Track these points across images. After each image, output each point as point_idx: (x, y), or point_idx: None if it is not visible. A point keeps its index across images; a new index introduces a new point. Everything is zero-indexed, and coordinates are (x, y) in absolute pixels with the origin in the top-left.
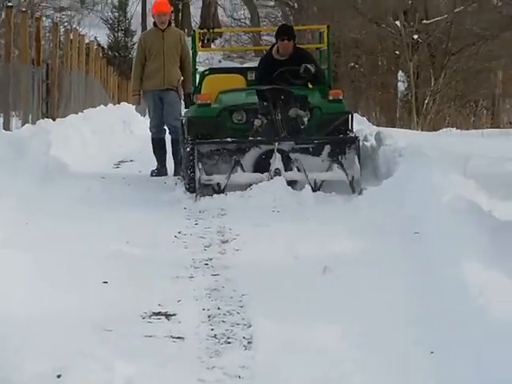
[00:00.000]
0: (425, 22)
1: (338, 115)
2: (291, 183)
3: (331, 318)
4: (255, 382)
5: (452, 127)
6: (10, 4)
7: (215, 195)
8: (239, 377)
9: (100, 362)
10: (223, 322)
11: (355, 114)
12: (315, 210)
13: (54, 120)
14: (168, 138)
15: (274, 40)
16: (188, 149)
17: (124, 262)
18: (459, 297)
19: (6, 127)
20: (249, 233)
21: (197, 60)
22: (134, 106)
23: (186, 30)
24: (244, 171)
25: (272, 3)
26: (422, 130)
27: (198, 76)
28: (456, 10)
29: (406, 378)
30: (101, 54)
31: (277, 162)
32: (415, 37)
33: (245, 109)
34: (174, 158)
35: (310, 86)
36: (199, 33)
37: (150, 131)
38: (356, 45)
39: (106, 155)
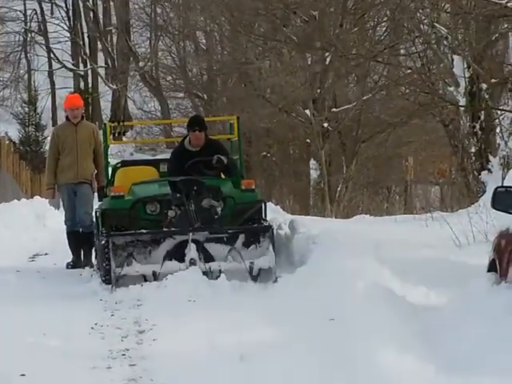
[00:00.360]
0: (334, 110)
1: (251, 204)
2: (206, 273)
3: None
4: None
5: (365, 214)
6: None
7: (131, 286)
8: None
9: None
10: None
11: (269, 203)
12: (232, 298)
13: None
14: None
15: (185, 131)
16: (103, 241)
17: (41, 354)
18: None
19: None
20: (166, 323)
21: (108, 153)
22: (48, 200)
23: (97, 123)
24: (156, 262)
25: (181, 95)
26: (335, 217)
27: (110, 169)
28: (364, 98)
29: None
30: (12, 149)
31: (192, 252)
32: (325, 125)
33: (158, 200)
34: (83, 250)
35: (223, 176)
36: (110, 126)
37: (65, 224)
38: (267, 134)
39: (20, 249)
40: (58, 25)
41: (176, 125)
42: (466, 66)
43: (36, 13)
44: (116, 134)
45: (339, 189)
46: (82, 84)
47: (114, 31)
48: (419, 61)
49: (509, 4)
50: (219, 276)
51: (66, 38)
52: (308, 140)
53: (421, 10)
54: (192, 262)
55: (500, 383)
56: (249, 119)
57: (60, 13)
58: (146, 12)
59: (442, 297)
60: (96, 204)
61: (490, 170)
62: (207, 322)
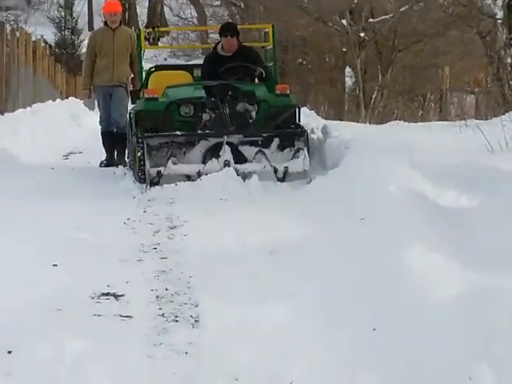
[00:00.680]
0: (371, 20)
1: (285, 108)
2: (239, 174)
3: (276, 300)
4: (201, 358)
5: (400, 120)
6: None
7: (165, 185)
8: (186, 353)
9: (50, 340)
10: (171, 301)
11: (304, 108)
12: (263, 198)
13: (2, 114)
14: None
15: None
16: (138, 142)
17: (74, 247)
18: (401, 280)
19: None
20: (197, 219)
21: (143, 58)
22: (82, 101)
23: (133, 29)
24: (192, 163)
25: (218, 2)
26: (369, 123)
27: (144, 73)
28: (401, 10)
29: (352, 355)
30: (48, 52)
31: (226, 154)
32: (362, 35)
33: (192, 102)
34: (116, 149)
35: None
36: (144, 31)
37: (100, 125)
38: (303, 43)
39: (54, 147)
40: None
41: (212, 32)
42: None
43: None
44: (151, 40)
45: (374, 96)
46: None
47: None
48: None
49: None
50: (252, 177)
51: None
52: (344, 49)
53: None
54: (226, 164)
55: None
56: (285, 28)
57: None
58: None
59: (473, 200)
60: (130, 107)
61: None
62: (238, 219)
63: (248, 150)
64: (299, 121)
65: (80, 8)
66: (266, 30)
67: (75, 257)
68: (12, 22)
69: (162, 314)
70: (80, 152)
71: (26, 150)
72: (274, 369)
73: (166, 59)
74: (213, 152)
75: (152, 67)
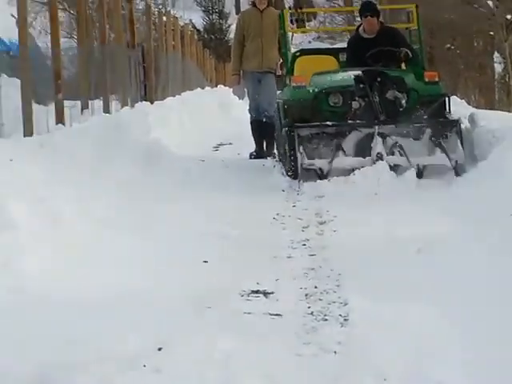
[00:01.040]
0: None
1: (434, 97)
2: (393, 168)
3: (426, 298)
4: (350, 357)
5: None
6: None
7: (318, 180)
8: (335, 352)
9: (200, 336)
10: (320, 300)
11: (454, 97)
12: (416, 194)
13: (152, 103)
14: None
15: None
16: (288, 133)
17: (224, 243)
18: None
19: (106, 110)
20: (347, 215)
21: (292, 41)
22: (232, 89)
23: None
24: (346, 155)
25: None
26: None
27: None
28: None
29: (503, 360)
30: (196, 37)
31: (378, 146)
32: (508, 17)
33: (341, 91)
34: (266, 140)
35: (403, 67)
36: (288, 13)
37: (249, 113)
38: (450, 25)
39: (204, 138)
40: None
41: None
42: None
43: None
44: (294, 22)
45: None
46: None
47: None
48: None
49: None
50: (405, 171)
51: None
52: (491, 32)
53: None
54: (379, 157)
55: None
56: (431, 10)
57: None
58: None
59: None
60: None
61: None
62: (388, 215)
63: (400, 142)
64: (449, 111)
65: None
66: (410, 10)
67: (225, 253)
68: (160, 6)
69: (311, 312)
70: (230, 143)
71: (176, 141)
72: (423, 369)
73: (310, 42)
74: (364, 144)
75: (297, 51)
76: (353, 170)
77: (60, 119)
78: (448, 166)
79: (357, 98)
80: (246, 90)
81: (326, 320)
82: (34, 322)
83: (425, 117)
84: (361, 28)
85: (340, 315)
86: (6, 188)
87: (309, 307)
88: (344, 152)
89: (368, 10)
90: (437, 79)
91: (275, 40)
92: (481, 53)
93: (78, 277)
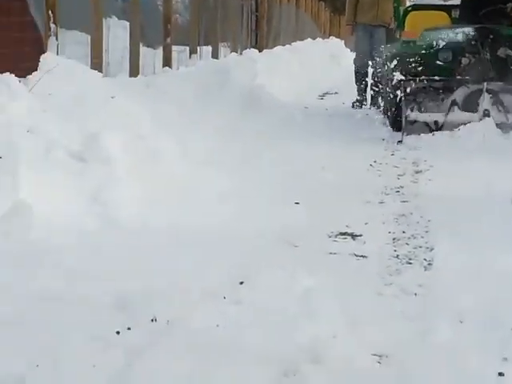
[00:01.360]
0: None
1: None
2: (500, 125)
3: None
4: (429, 299)
5: None
6: None
7: (422, 134)
8: (415, 294)
9: (282, 271)
10: (407, 244)
11: None
12: None
13: (260, 51)
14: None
15: None
16: (395, 86)
17: (317, 186)
18: None
19: (214, 56)
20: (445, 166)
21: None
22: (343, 41)
23: None
24: (460, 110)
25: None
26: None
27: (401, 12)
28: None
29: None
30: None
31: (486, 102)
32: None
33: (451, 47)
34: (372, 90)
35: None
36: None
37: (354, 63)
38: None
39: (311, 87)
40: None
41: None
42: None
43: None
44: None
45: None
46: None
47: None
48: None
49: None
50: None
51: None
52: None
53: None
54: (486, 113)
55: None
56: None
57: None
58: None
59: None
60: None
61: None
62: (488, 170)
63: (510, 100)
64: None
65: None
66: None
67: (318, 196)
68: None
69: (396, 255)
70: (336, 92)
71: (282, 88)
72: (499, 317)
73: None
74: (471, 100)
75: (409, 6)
76: (458, 125)
77: (167, 62)
78: None
79: (467, 55)
80: (355, 39)
81: (410, 263)
82: (118, 252)
83: None
84: None
85: (425, 259)
86: (105, 123)
87: (395, 250)
88: (459, 107)
89: None
90: None
91: None
92: None
93: (171, 212)
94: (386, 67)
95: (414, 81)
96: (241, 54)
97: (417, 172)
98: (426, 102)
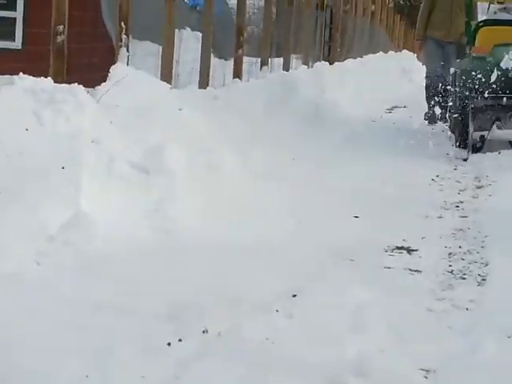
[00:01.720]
0: None
1: None
2: None
3: None
4: (481, 315)
5: None
6: None
7: (488, 152)
8: (466, 309)
9: (336, 286)
10: (462, 259)
11: None
12: None
13: (331, 64)
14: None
15: None
16: (462, 103)
17: (378, 201)
18: None
19: (285, 68)
20: (506, 181)
21: (475, 11)
22: (416, 55)
23: None
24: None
25: None
26: None
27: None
28: None
29: None
30: (391, 2)
31: None
32: None
33: None
34: (440, 106)
35: None
36: None
37: (425, 78)
38: None
39: (380, 100)
40: None
41: None
42: None
43: None
44: None
45: None
46: None
47: None
48: None
49: None
50: None
51: None
52: None
53: None
54: None
55: None
56: None
57: None
58: None
59: None
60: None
61: None
62: None
63: None
64: None
65: None
66: None
67: (378, 210)
68: None
69: (450, 270)
70: (404, 106)
71: (350, 101)
72: None
73: (495, 12)
74: None
75: (480, 22)
76: None
77: (237, 74)
78: None
79: None
80: (426, 54)
81: (464, 279)
82: (175, 264)
83: None
84: None
85: (479, 275)
86: (169, 135)
87: (450, 265)
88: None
89: None
90: None
91: (463, 8)
92: None
93: (227, 225)
94: (455, 83)
95: (482, 97)
96: (312, 66)
97: (478, 187)
98: (494, 120)
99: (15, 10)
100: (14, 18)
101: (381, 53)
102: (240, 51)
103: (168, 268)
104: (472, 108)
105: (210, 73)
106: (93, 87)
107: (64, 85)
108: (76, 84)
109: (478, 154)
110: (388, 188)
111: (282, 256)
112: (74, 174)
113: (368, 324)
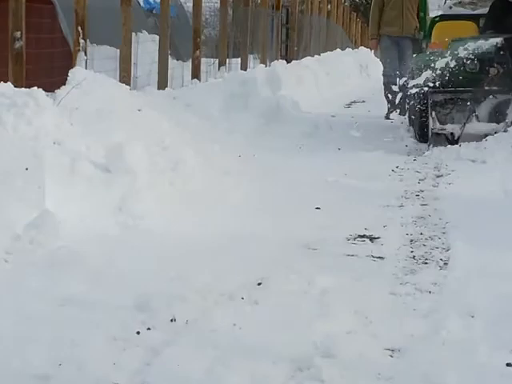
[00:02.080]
0: None
1: None
2: None
3: None
4: (443, 297)
5: None
6: None
7: (449, 145)
8: (429, 292)
9: (299, 274)
10: (424, 245)
11: None
12: None
13: (289, 62)
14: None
15: None
16: (421, 97)
17: (339, 192)
18: None
19: (243, 67)
20: (464, 169)
21: (428, 6)
22: (373, 51)
23: None
24: (479, 121)
25: None
26: None
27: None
28: None
29: None
30: (343, 0)
31: None
32: None
33: (479, 58)
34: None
35: None
36: None
37: (383, 75)
38: None
39: (338, 96)
40: None
41: None
42: None
43: None
44: None
45: None
46: None
47: None
48: None
49: None
50: None
51: None
52: None
53: None
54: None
55: None
56: None
57: None
58: None
59: None
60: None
61: None
62: (505, 172)
63: None
64: None
65: None
66: None
67: (339, 201)
68: None
69: (413, 256)
70: (363, 101)
71: (309, 98)
72: (510, 310)
73: (451, 7)
74: (499, 110)
75: (436, 17)
76: (485, 136)
77: (196, 75)
78: None
79: (495, 65)
80: (382, 52)
81: (427, 263)
82: (141, 258)
83: None
84: None
85: (441, 259)
86: (130, 135)
87: (412, 251)
88: (477, 118)
89: None
90: None
91: (415, 5)
92: None
93: (192, 219)
94: (414, 78)
95: (441, 92)
96: (269, 65)
97: (438, 176)
98: (452, 114)
99: None
100: None
101: (338, 50)
102: (197, 52)
103: (135, 262)
104: (432, 102)
105: (169, 74)
106: (52, 91)
107: (24, 89)
108: (36, 88)
109: (438, 147)
110: (348, 179)
111: (246, 248)
112: (38, 175)
113: (333, 308)
